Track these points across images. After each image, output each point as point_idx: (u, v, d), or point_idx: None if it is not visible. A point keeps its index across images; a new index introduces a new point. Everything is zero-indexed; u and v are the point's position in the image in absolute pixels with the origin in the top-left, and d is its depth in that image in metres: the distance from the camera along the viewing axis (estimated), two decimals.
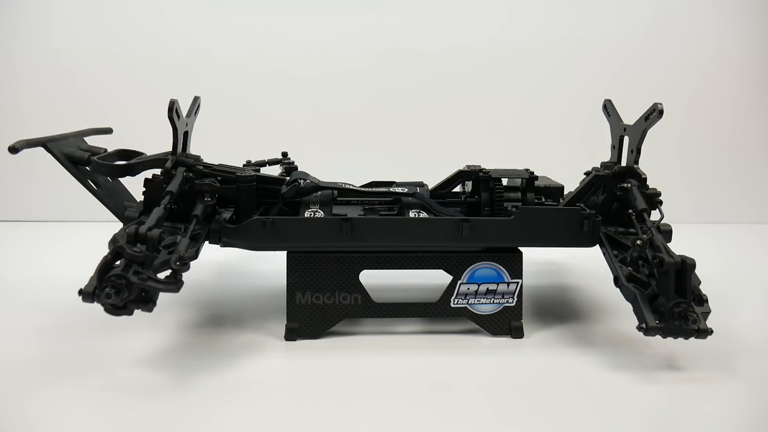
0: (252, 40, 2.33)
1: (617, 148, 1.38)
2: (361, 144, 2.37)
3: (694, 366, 1.14)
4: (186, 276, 1.04)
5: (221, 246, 1.25)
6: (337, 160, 2.25)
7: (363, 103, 2.37)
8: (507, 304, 1.27)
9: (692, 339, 1.07)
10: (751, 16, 2.36)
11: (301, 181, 1.34)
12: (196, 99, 1.38)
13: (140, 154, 1.33)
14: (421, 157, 2.31)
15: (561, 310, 1.45)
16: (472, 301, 1.27)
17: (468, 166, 1.43)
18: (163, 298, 1.07)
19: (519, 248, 1.28)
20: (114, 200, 1.31)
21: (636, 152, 1.29)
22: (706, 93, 2.41)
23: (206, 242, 1.23)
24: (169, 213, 1.16)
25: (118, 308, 0.98)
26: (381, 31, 2.34)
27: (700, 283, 1.14)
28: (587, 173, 1.38)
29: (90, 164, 1.26)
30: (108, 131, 1.46)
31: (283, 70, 2.34)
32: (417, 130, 2.38)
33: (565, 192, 1.43)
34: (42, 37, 2.29)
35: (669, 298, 1.07)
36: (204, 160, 1.31)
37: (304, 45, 2.34)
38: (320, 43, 2.34)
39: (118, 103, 2.30)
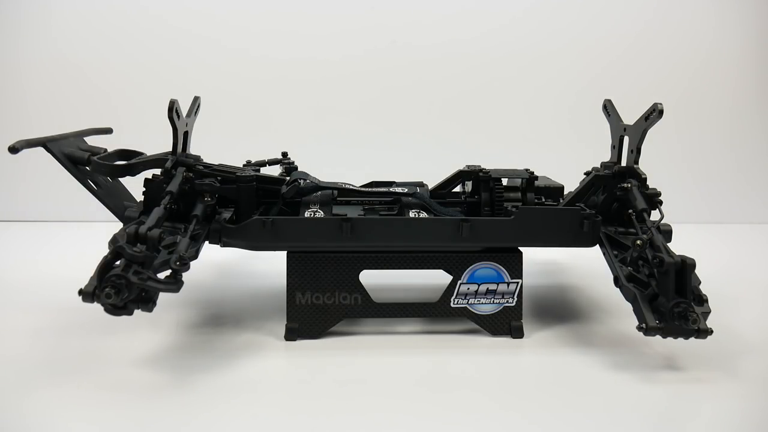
0: (250, 40, 2.33)
1: (617, 148, 1.38)
2: (361, 144, 2.37)
3: (694, 366, 1.14)
4: (186, 276, 1.04)
5: (221, 246, 1.25)
6: (337, 160, 2.24)
7: (363, 103, 2.37)
8: (507, 304, 1.27)
9: (692, 339, 1.07)
10: (750, 15, 2.36)
11: (301, 181, 1.34)
12: (196, 99, 1.38)
13: (140, 154, 1.33)
14: (421, 157, 2.31)
15: (561, 310, 1.45)
16: (472, 301, 1.27)
17: (468, 166, 1.43)
18: (163, 298, 1.07)
19: (519, 248, 1.28)
20: (114, 200, 1.31)
21: (636, 152, 1.29)
22: (706, 93, 2.41)
23: (206, 242, 1.23)
24: (169, 213, 1.16)
25: (118, 308, 0.98)
26: (381, 30, 2.34)
27: (700, 283, 1.14)
28: (587, 173, 1.38)
29: (90, 164, 1.26)
30: (108, 131, 1.46)
31: (284, 69, 2.34)
32: (417, 130, 2.38)
33: (565, 192, 1.43)
34: (42, 37, 2.29)
35: (669, 298, 1.06)
36: (204, 160, 1.31)
37: (305, 44, 2.34)
38: (320, 43, 2.34)
39: (119, 103, 2.30)
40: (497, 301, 1.27)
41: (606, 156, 1.42)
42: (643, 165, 1.30)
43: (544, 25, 2.36)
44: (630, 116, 1.34)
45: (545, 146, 2.36)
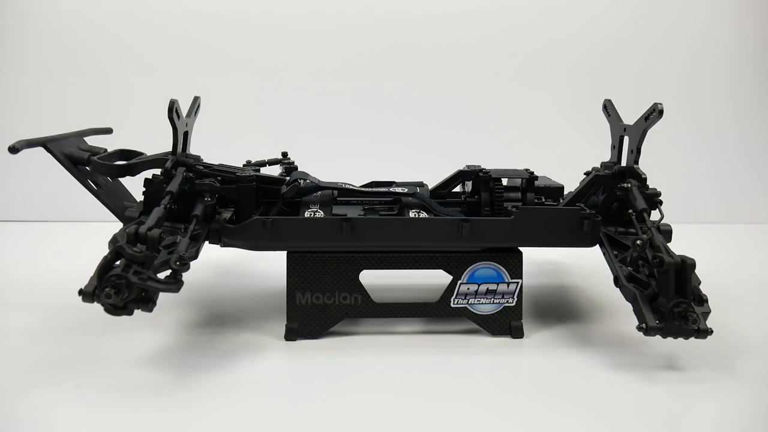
0: (250, 39, 2.33)
1: (617, 148, 1.38)
2: (361, 144, 2.37)
3: (694, 366, 1.14)
4: (186, 276, 1.04)
5: (221, 246, 1.25)
6: (337, 160, 2.24)
7: (363, 103, 2.37)
8: (507, 304, 1.27)
9: (692, 339, 1.07)
10: (749, 15, 2.36)
11: (301, 181, 1.34)
12: (196, 99, 1.38)
13: (140, 154, 1.33)
14: (421, 157, 2.31)
15: (561, 310, 1.45)
16: (472, 301, 1.27)
17: (468, 166, 1.43)
18: (163, 298, 1.07)
19: (519, 248, 1.28)
20: (114, 200, 1.31)
21: (636, 152, 1.29)
22: (706, 93, 2.41)
23: (206, 242, 1.23)
24: (169, 213, 1.17)
25: (118, 308, 0.98)
26: (382, 30, 2.34)
27: (700, 283, 1.14)
28: (587, 173, 1.38)
29: (90, 164, 1.26)
30: (108, 131, 1.46)
31: (284, 69, 2.34)
32: (417, 130, 2.38)
33: (565, 192, 1.43)
34: (42, 37, 2.29)
35: (669, 298, 1.07)
36: (204, 160, 1.31)
37: (304, 44, 2.34)
38: (319, 42, 2.34)
39: (119, 103, 2.30)
40: (497, 301, 1.27)
41: (606, 156, 1.42)
42: (643, 165, 1.30)
43: (546, 24, 2.36)
44: (630, 116, 1.34)
45: (545, 146, 2.36)
